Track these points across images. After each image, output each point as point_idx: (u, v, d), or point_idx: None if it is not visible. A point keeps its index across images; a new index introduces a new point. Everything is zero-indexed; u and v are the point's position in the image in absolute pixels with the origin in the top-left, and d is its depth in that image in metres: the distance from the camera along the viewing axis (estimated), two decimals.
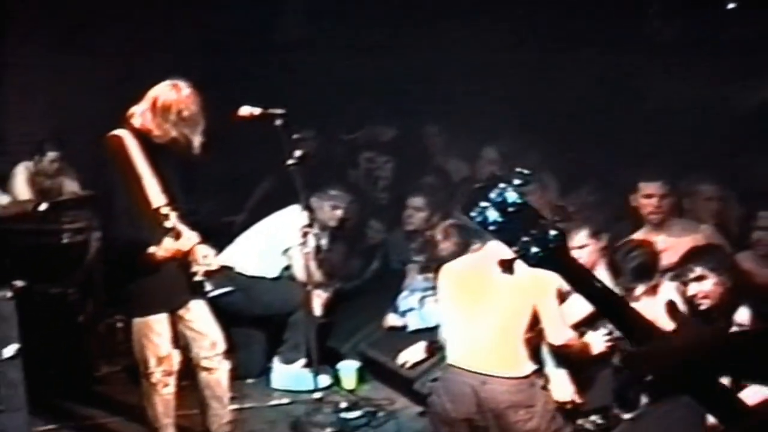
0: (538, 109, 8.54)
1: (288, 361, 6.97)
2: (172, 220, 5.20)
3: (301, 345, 6.91)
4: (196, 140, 5.39)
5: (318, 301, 6.75)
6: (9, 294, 4.88)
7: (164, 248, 5.27)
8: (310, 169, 6.19)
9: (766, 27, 8.10)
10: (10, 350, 4.81)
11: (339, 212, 7.34)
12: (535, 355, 5.32)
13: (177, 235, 5.25)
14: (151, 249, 5.25)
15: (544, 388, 5.27)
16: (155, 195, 5.25)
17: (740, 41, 8.54)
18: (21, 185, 8.52)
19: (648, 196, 6.38)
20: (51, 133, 9.04)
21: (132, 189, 5.23)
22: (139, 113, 5.39)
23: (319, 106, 8.86)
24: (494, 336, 5.19)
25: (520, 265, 5.33)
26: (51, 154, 8.52)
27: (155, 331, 5.47)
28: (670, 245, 5.93)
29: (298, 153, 5.97)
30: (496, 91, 8.84)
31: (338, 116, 9.56)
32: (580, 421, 5.67)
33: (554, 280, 5.24)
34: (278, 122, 5.93)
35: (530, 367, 5.24)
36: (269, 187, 9.06)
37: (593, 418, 5.71)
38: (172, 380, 5.55)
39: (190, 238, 5.34)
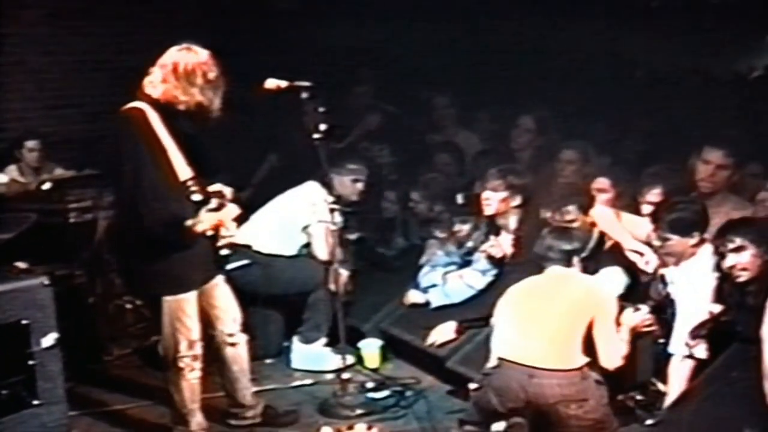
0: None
1: (308, 340, 6.80)
2: (216, 190, 5.10)
3: (322, 324, 6.75)
4: (217, 103, 5.19)
5: (341, 279, 6.55)
6: (46, 280, 4.63)
7: (206, 221, 5.07)
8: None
9: None
10: (48, 339, 4.58)
11: (360, 185, 7.15)
12: (589, 347, 5.07)
13: (220, 206, 5.08)
14: (189, 222, 5.03)
15: (599, 382, 4.99)
16: (181, 168, 5.08)
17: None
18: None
19: (706, 162, 6.24)
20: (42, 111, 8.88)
21: (159, 163, 5.02)
22: (158, 81, 5.12)
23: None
24: (546, 329, 4.99)
25: (579, 281, 5.27)
26: (30, 143, 8.15)
27: (187, 312, 5.29)
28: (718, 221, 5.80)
29: (323, 127, 5.78)
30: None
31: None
32: (620, 397, 5.55)
33: (612, 295, 5.18)
34: (304, 95, 5.74)
35: (582, 359, 4.97)
36: (275, 162, 8.92)
37: (632, 394, 5.63)
38: (198, 364, 5.40)
39: (231, 209, 5.19)
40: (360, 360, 6.77)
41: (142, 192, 5.01)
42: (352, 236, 6.92)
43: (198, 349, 5.37)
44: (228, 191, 5.17)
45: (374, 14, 9.30)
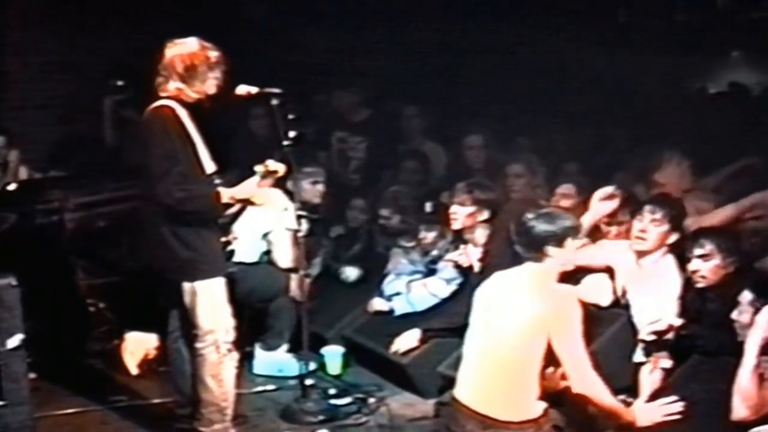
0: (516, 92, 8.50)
1: (270, 347, 6.82)
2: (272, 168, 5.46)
3: (285, 332, 6.77)
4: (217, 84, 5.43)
5: (305, 285, 6.56)
6: (13, 281, 4.64)
7: (243, 190, 5.44)
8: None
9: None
10: (14, 341, 4.58)
11: (320, 186, 7.24)
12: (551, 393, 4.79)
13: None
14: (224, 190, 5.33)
15: (558, 428, 4.71)
16: (207, 162, 5.34)
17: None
18: None
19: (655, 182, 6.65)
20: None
21: (188, 156, 5.22)
22: (171, 81, 5.29)
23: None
24: (505, 371, 4.64)
25: (544, 294, 4.74)
26: None
27: (222, 298, 5.44)
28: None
29: (292, 134, 5.83)
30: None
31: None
32: None
33: (575, 315, 4.62)
34: (274, 102, 5.80)
35: (540, 407, 4.68)
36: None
37: (622, 397, 5.28)
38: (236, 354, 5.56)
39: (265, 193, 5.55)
40: (322, 366, 6.77)
41: (171, 181, 5.12)
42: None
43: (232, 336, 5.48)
44: (281, 167, 5.51)
45: (346, 23, 9.35)
